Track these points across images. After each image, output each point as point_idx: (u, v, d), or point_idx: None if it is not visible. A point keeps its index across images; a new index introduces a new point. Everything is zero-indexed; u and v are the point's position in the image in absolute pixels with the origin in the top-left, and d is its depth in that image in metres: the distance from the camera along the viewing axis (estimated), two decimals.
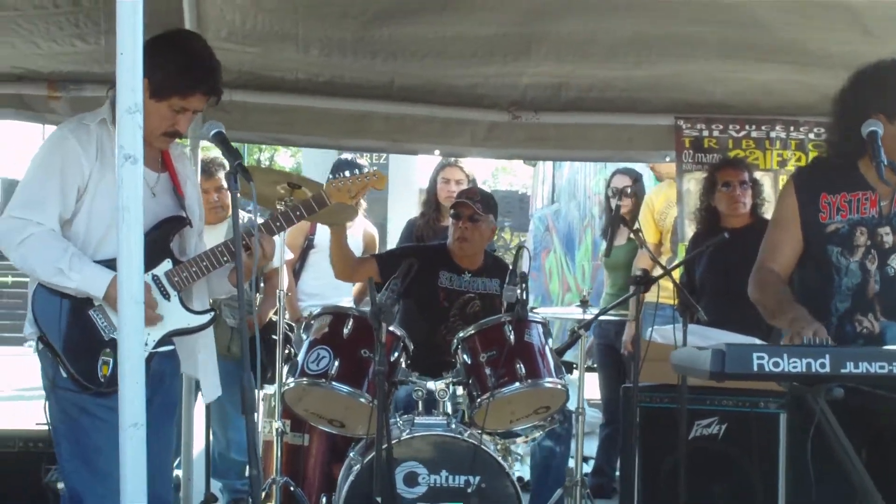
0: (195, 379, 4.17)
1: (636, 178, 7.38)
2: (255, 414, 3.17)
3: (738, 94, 6.45)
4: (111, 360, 3.69)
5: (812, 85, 6.03)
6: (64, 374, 3.71)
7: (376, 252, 6.93)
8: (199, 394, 5.16)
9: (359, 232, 7.09)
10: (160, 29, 3.83)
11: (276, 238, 4.10)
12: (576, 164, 12.84)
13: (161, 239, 3.85)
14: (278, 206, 4.73)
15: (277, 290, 5.46)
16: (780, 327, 3.61)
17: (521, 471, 6.52)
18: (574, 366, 5.79)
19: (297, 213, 4.08)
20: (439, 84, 6.21)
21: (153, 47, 3.65)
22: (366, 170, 4.35)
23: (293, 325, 6.51)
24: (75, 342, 3.72)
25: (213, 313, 4.00)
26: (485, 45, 5.74)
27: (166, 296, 3.85)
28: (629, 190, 7.27)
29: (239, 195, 3.45)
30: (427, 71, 6.00)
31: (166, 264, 3.85)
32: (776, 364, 3.11)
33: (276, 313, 5.62)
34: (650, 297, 5.45)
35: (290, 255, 6.77)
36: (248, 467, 5.60)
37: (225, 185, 6.45)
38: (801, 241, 3.87)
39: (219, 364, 4.23)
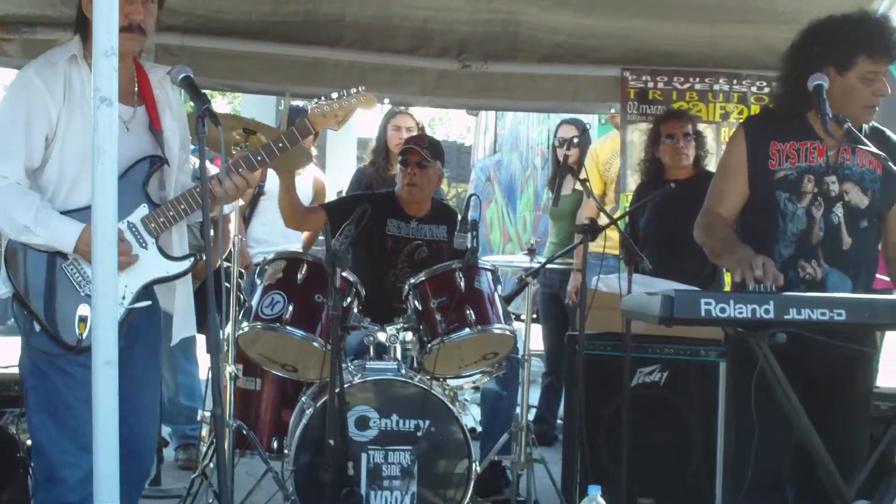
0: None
1: (583, 129, 7.45)
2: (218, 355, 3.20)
3: (685, 47, 6.54)
4: (88, 316, 3.55)
5: (756, 38, 6.16)
6: (38, 329, 3.64)
7: (325, 199, 6.97)
8: None
9: (309, 180, 7.08)
10: None
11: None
12: (518, 114, 12.86)
13: (136, 182, 3.72)
14: (233, 151, 4.68)
15: (231, 236, 5.48)
16: (726, 266, 3.71)
17: (467, 419, 6.64)
18: (520, 316, 5.88)
19: (280, 144, 3.91)
20: (392, 15, 6.13)
21: None
22: (353, 91, 4.11)
23: (242, 271, 6.52)
24: (50, 298, 3.65)
25: (192, 259, 3.89)
26: None
27: (143, 244, 3.74)
28: (576, 140, 7.34)
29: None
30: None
31: (142, 209, 3.73)
32: (722, 310, 3.22)
33: (227, 259, 5.64)
34: (595, 247, 5.55)
35: (239, 202, 6.76)
36: (203, 407, 5.62)
37: None
38: (747, 188, 3.94)
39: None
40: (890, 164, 3.61)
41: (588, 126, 7.61)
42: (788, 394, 3.42)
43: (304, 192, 6.79)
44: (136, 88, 3.85)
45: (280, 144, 3.90)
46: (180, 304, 4.01)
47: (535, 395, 7.78)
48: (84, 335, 3.59)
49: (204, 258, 6.44)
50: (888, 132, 4.08)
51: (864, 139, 3.64)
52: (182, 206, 3.76)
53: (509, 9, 6.03)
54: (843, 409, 3.90)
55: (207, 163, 3.74)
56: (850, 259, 3.85)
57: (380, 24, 6.21)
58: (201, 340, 6.39)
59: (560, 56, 6.57)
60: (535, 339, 6.97)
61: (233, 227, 5.80)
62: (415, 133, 6.82)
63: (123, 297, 3.67)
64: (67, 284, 3.66)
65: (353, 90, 4.12)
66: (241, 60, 6.38)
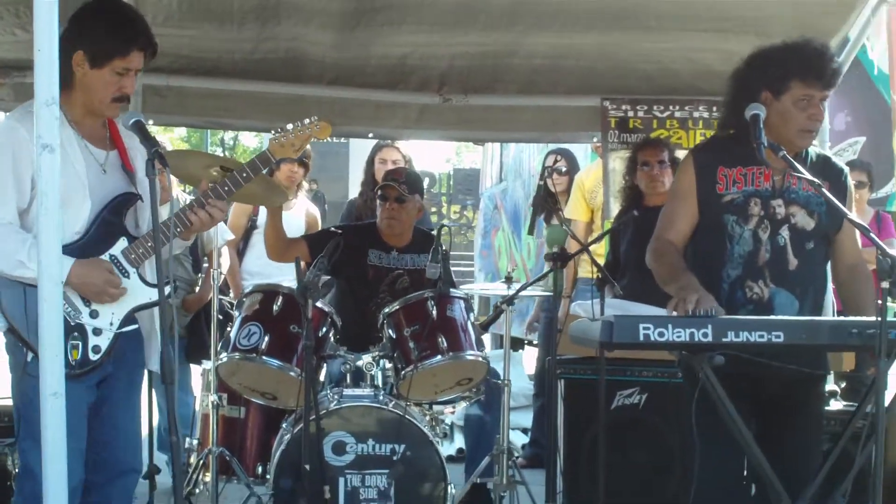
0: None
1: (568, 157, 7.55)
2: (175, 384, 3.34)
3: (660, 64, 6.55)
4: (80, 343, 3.80)
5: (730, 53, 6.17)
6: (30, 359, 3.75)
7: None
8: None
9: (301, 213, 7.24)
10: None
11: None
12: (520, 143, 13.00)
13: (114, 217, 3.92)
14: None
15: (212, 270, 5.64)
16: (669, 293, 3.81)
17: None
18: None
19: (244, 174, 4.08)
20: (371, 55, 6.27)
21: (80, 20, 3.82)
22: (307, 122, 4.29)
23: (235, 303, 6.65)
24: None
25: (172, 284, 3.93)
26: (415, 14, 5.81)
27: (125, 274, 3.91)
28: (563, 169, 7.46)
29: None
30: (359, 39, 6.04)
31: (122, 242, 3.92)
32: (661, 334, 3.33)
33: (221, 293, 5.79)
34: (584, 272, 5.65)
35: (231, 236, 6.92)
36: (191, 435, 5.76)
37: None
38: (696, 213, 4.05)
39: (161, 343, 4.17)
40: (824, 190, 3.70)
41: (573, 154, 7.73)
42: (731, 414, 3.54)
43: (297, 226, 6.96)
44: (108, 134, 4.04)
45: (244, 175, 4.09)
46: (147, 337, 4.14)
47: (529, 418, 7.91)
48: (76, 360, 3.79)
49: (197, 290, 6.66)
50: (834, 159, 4.22)
51: (797, 166, 3.72)
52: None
53: (484, 40, 6.12)
54: (798, 429, 4.00)
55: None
56: (797, 279, 3.95)
57: (359, 63, 6.36)
58: (196, 371, 6.57)
59: (538, 85, 6.68)
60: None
61: (224, 261, 5.92)
62: (401, 165, 6.96)
63: (111, 324, 3.88)
64: None
65: (308, 121, 4.29)
66: (226, 99, 6.57)
